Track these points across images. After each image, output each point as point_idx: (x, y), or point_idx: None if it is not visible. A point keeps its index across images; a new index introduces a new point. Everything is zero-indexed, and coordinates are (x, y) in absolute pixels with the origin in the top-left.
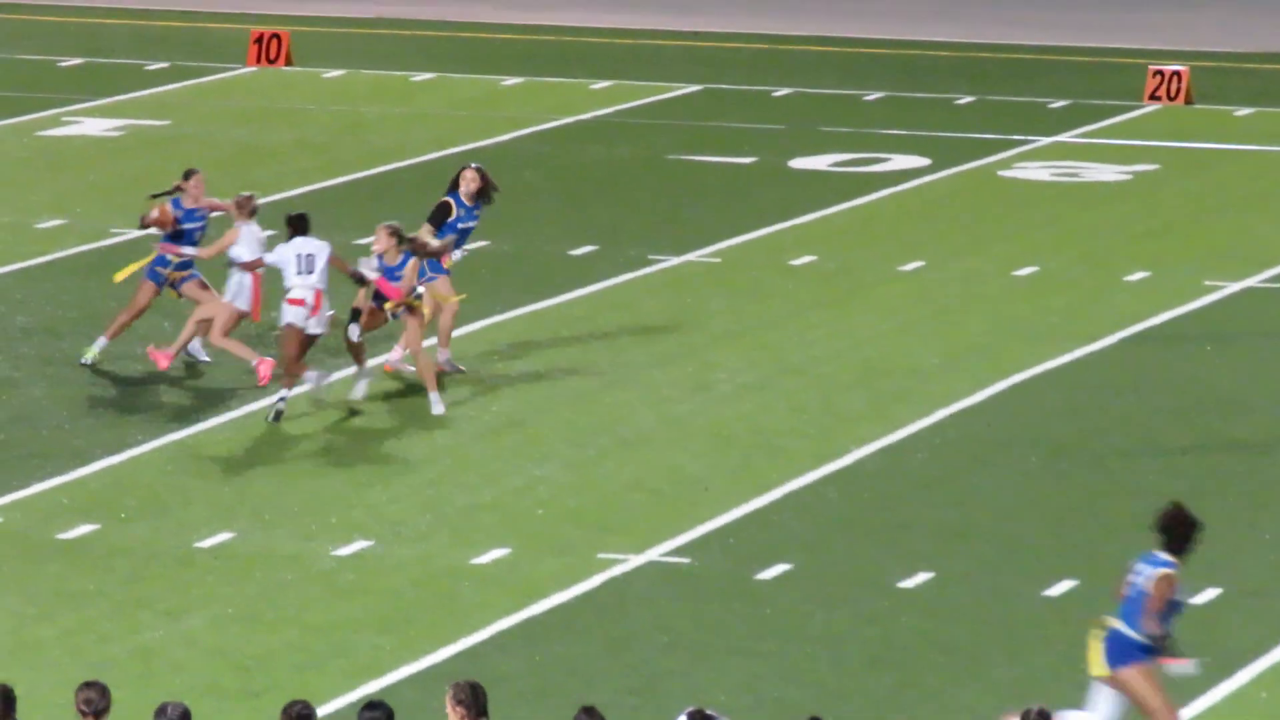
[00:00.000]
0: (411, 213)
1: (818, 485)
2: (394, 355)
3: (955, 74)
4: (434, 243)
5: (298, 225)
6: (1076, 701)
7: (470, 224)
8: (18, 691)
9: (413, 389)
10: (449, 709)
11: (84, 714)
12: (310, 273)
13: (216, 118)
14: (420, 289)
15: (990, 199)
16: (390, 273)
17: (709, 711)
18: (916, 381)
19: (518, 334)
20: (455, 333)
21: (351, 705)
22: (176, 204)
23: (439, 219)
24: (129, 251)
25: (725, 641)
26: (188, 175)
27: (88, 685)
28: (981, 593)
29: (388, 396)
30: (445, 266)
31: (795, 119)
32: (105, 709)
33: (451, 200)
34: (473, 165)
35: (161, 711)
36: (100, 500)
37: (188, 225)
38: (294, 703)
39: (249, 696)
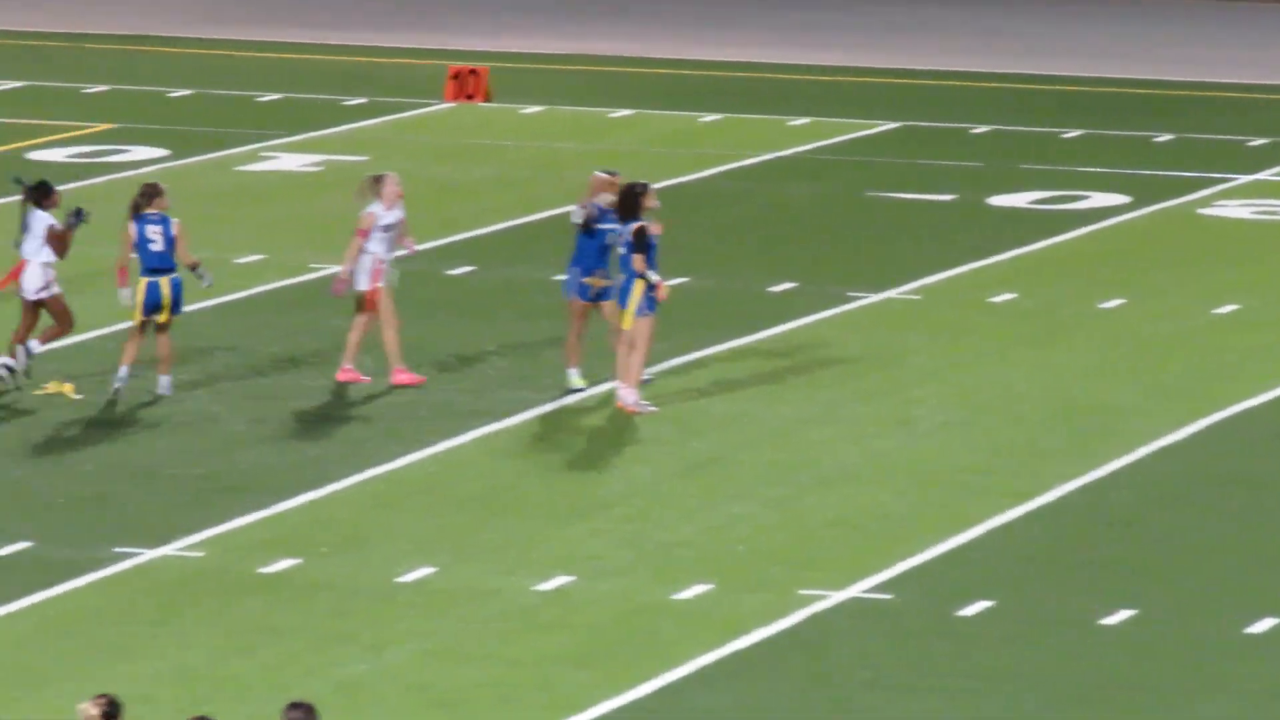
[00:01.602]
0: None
1: (1019, 523)
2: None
3: (1153, 112)
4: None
5: None
6: None
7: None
8: None
9: (615, 422)
10: None
11: None
12: None
13: (414, 153)
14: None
15: (1190, 237)
16: (606, 216)
17: None
18: (1117, 419)
19: (717, 371)
20: (651, 370)
21: None
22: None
23: (643, 242)
24: (328, 286)
25: (926, 679)
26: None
27: (294, 706)
28: (1184, 630)
29: (589, 432)
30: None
31: (994, 156)
32: None
33: (646, 223)
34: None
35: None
36: (301, 535)
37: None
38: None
39: None
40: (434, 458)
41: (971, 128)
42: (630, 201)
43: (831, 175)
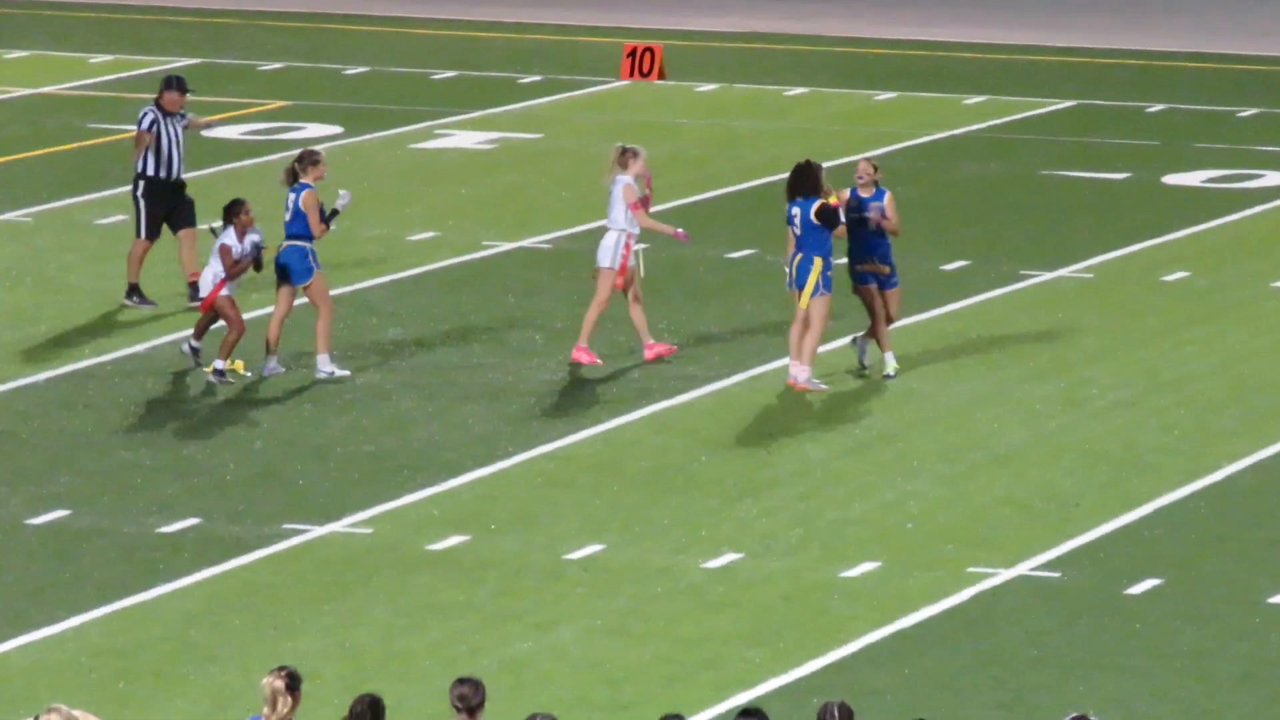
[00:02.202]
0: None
1: (1188, 501)
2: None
3: None
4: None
5: None
6: None
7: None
8: (388, 702)
9: (786, 400)
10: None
11: (457, 710)
12: None
13: (589, 131)
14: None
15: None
16: (866, 204)
17: (1092, 718)
18: None
19: (898, 346)
20: (824, 347)
21: (719, 718)
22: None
23: (833, 219)
24: (505, 265)
25: (1094, 657)
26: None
27: (461, 681)
28: None
29: (759, 410)
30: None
31: (1169, 135)
32: (479, 705)
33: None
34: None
35: (357, 703)
36: (470, 512)
37: None
38: (670, 716)
39: (618, 709)
40: (603, 436)
41: (1147, 106)
42: (807, 178)
43: (1005, 154)
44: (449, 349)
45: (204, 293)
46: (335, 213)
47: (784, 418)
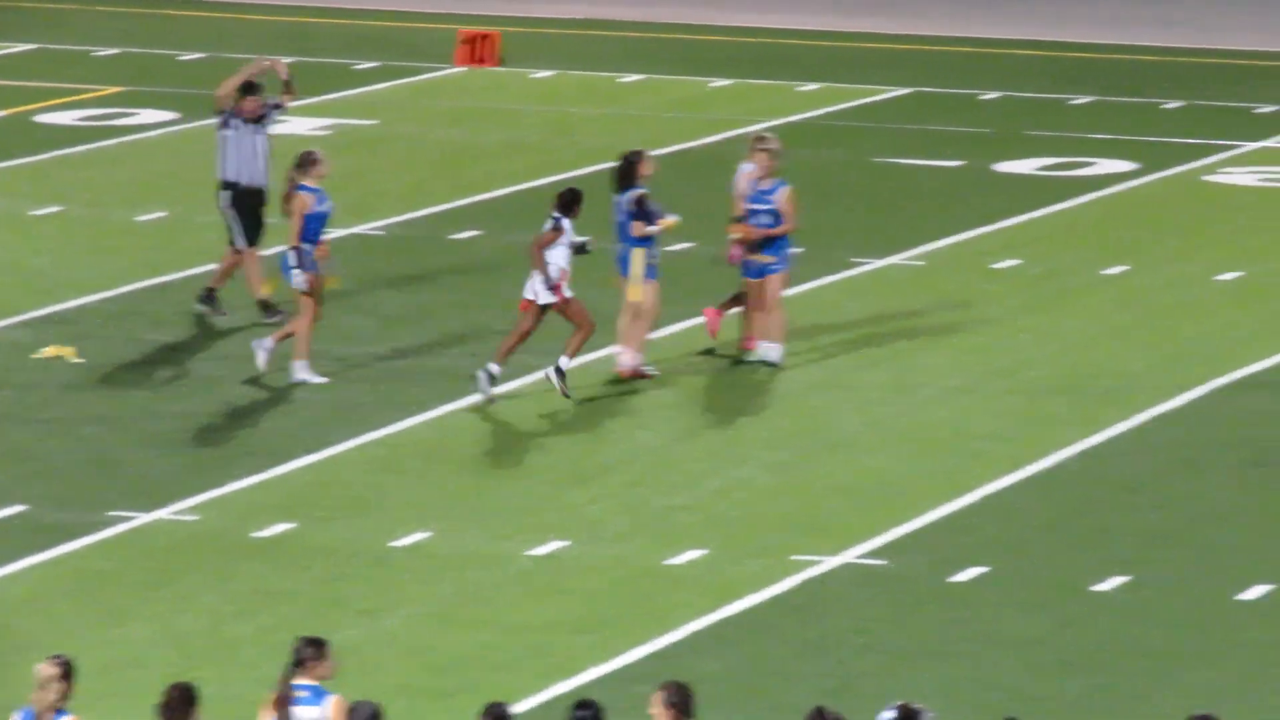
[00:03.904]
0: (612, 214)
1: (1017, 488)
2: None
3: (1163, 79)
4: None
5: None
6: (1269, 703)
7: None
8: (212, 690)
9: (617, 388)
10: (658, 709)
11: (290, 666)
12: None
13: (426, 118)
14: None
15: (1196, 204)
16: (760, 198)
17: (915, 706)
18: (1120, 385)
19: (720, 335)
20: (658, 334)
21: (544, 705)
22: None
23: (644, 208)
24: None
25: (921, 644)
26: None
27: (305, 638)
28: (1177, 597)
29: (591, 398)
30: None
31: (1002, 123)
32: (310, 659)
33: (643, 190)
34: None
35: (354, 710)
36: (298, 499)
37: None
38: (494, 704)
39: (443, 696)
40: (432, 422)
41: (980, 94)
42: (626, 169)
43: (839, 141)
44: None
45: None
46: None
47: (613, 405)
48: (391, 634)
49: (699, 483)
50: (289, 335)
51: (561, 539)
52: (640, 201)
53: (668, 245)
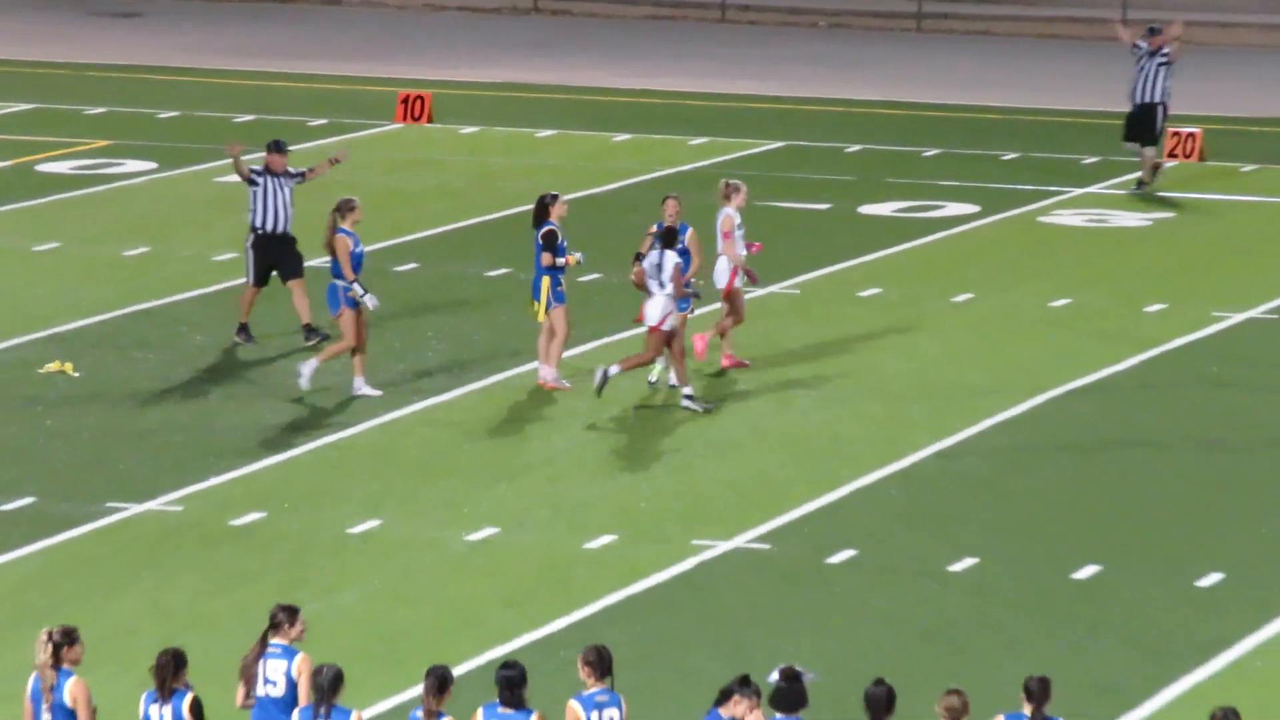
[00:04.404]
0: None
1: (881, 484)
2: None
3: (1002, 133)
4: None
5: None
6: (1097, 669)
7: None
8: (195, 655)
9: (536, 398)
10: (582, 669)
11: (268, 628)
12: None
13: (367, 167)
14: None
15: (1030, 241)
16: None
17: (798, 668)
18: (967, 396)
19: (625, 353)
20: (568, 353)
21: (480, 668)
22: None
23: (552, 243)
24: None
25: (800, 617)
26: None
27: (281, 605)
28: (1019, 576)
29: (515, 407)
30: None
31: (864, 171)
32: (284, 623)
33: (554, 227)
34: (560, 196)
35: (318, 672)
36: (267, 492)
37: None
38: (436, 666)
39: (393, 662)
40: (381, 427)
41: (845, 146)
42: (540, 210)
43: None
44: (248, 352)
45: (651, 321)
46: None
47: (535, 412)
48: (347, 608)
49: (609, 479)
50: (331, 358)
51: (493, 526)
52: (549, 237)
53: (580, 277)
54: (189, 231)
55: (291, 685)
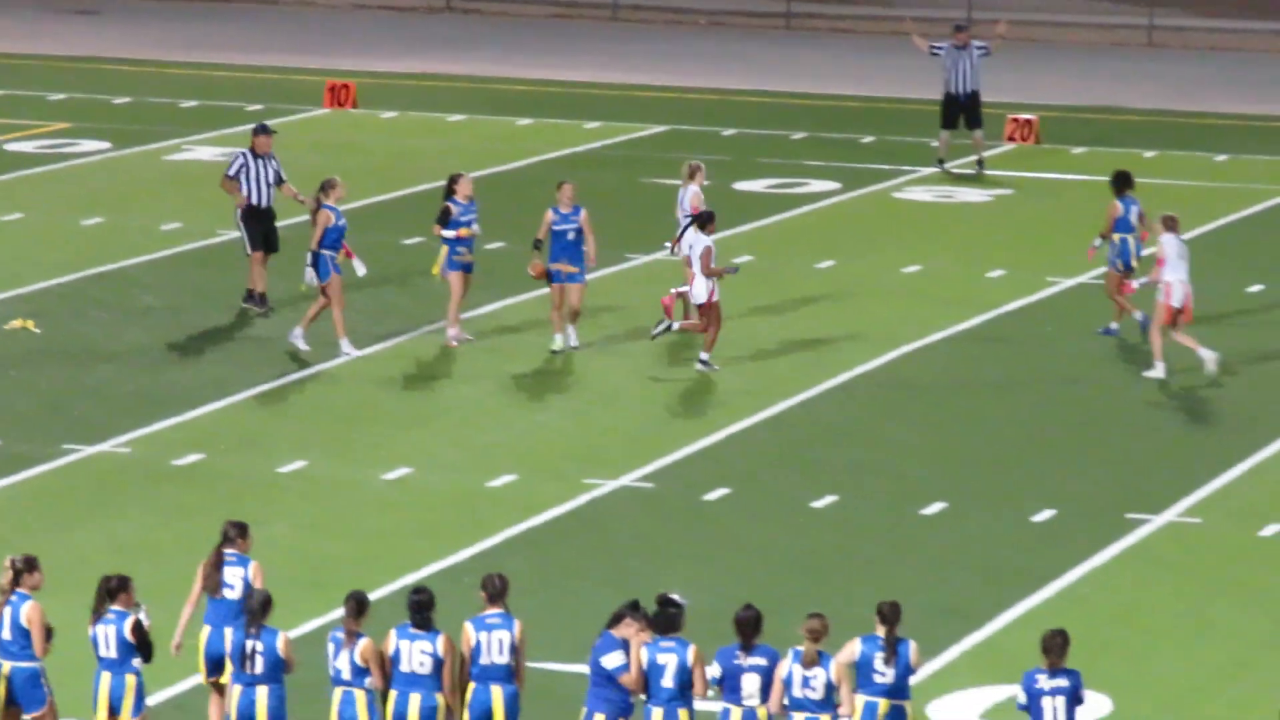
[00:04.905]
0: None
1: (753, 429)
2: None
3: (861, 119)
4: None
5: None
6: (943, 595)
7: (469, 215)
8: (143, 582)
9: (447, 353)
10: (481, 594)
11: (222, 540)
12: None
13: (299, 148)
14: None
15: (885, 215)
16: (566, 219)
17: (672, 595)
18: (830, 351)
19: (527, 312)
20: (471, 313)
21: (395, 593)
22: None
23: (445, 219)
24: (234, 248)
25: (680, 548)
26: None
27: (231, 521)
28: (875, 512)
29: (428, 360)
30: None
31: (738, 152)
32: (235, 539)
33: (449, 203)
34: (465, 174)
35: (248, 596)
36: (206, 435)
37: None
38: (355, 592)
39: (319, 587)
40: (310, 379)
41: (721, 130)
42: (449, 188)
43: (615, 166)
44: (193, 312)
45: (699, 300)
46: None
47: (446, 366)
48: (277, 539)
49: (511, 425)
50: (313, 319)
51: (407, 467)
52: (444, 212)
53: (487, 245)
54: (139, 204)
55: (248, 587)
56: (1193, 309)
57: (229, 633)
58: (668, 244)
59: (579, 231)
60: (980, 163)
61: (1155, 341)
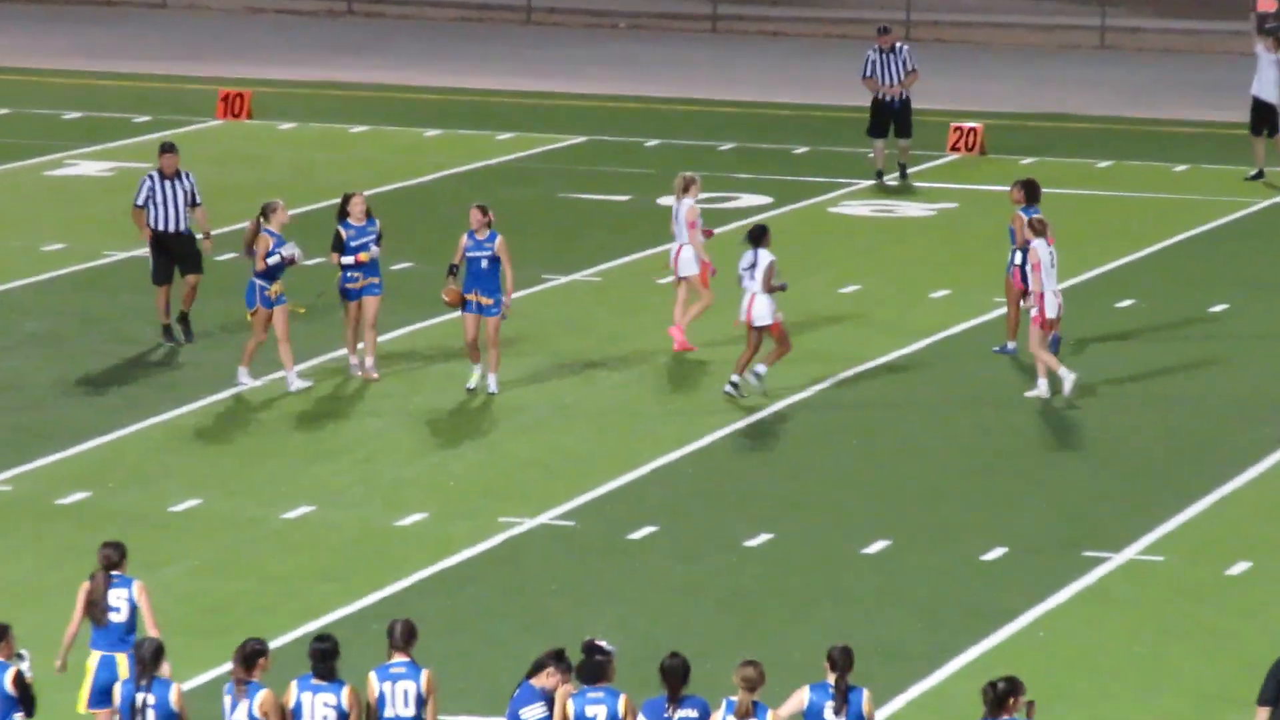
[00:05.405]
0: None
1: (679, 462)
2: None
3: (794, 129)
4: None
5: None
6: (881, 635)
7: (362, 239)
8: (28, 628)
9: (353, 383)
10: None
11: (102, 567)
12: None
13: (190, 161)
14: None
15: (821, 231)
16: (481, 245)
17: (599, 641)
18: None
19: (435, 339)
20: (384, 337)
21: (298, 641)
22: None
23: (337, 244)
24: (122, 270)
25: (602, 589)
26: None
27: (106, 544)
28: (812, 549)
29: (333, 389)
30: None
31: (662, 165)
32: (119, 562)
33: (341, 227)
34: (359, 194)
35: (138, 645)
36: (93, 472)
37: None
38: (247, 640)
39: (215, 634)
40: (203, 410)
41: (644, 141)
42: (340, 208)
43: (531, 180)
44: (78, 339)
45: (764, 321)
46: (281, 260)
47: (351, 396)
48: (171, 583)
49: (421, 458)
50: (253, 352)
51: (310, 504)
52: (337, 236)
53: (394, 266)
54: (19, 223)
55: (133, 608)
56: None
57: (121, 660)
58: (674, 266)
59: (494, 260)
60: (904, 172)
61: (1042, 359)
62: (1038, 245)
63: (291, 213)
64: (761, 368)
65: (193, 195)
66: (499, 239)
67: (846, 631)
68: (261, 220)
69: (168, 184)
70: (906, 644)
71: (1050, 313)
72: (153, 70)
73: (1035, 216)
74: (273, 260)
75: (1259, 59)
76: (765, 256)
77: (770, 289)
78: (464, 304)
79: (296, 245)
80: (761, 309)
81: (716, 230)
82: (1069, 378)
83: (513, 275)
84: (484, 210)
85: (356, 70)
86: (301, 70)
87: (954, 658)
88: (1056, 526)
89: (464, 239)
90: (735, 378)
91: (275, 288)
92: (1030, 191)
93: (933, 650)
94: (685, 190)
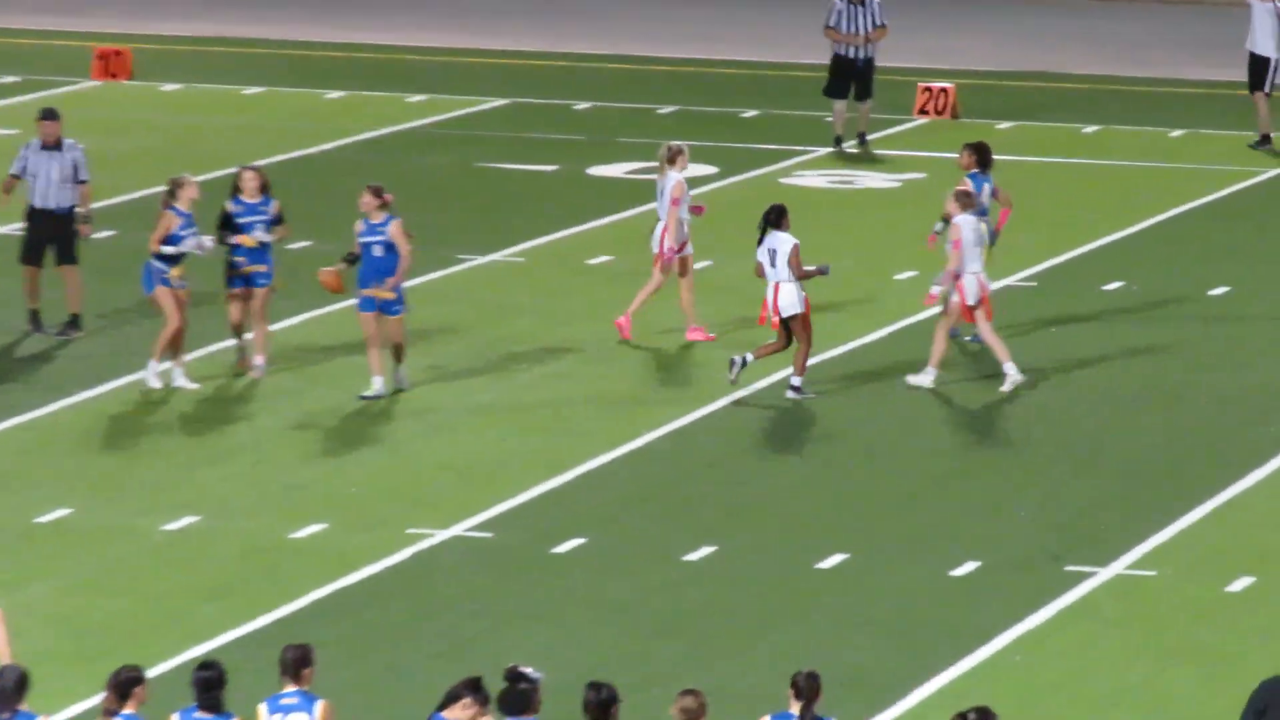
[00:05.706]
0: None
1: (611, 465)
2: None
3: (742, 90)
4: None
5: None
6: (842, 660)
7: (252, 218)
8: None
9: (243, 378)
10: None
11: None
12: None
13: (64, 128)
14: None
15: (772, 202)
16: (375, 229)
17: (523, 668)
18: (705, 371)
19: (334, 329)
20: (276, 325)
21: (179, 668)
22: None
23: (225, 223)
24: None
25: (525, 609)
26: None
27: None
28: (762, 565)
29: (220, 386)
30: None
31: (594, 130)
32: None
33: (229, 203)
34: (252, 168)
35: (1, 674)
36: None
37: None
38: (122, 668)
39: (85, 661)
40: (76, 407)
41: (574, 104)
42: (233, 185)
43: (445, 148)
44: None
45: (791, 311)
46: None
47: (242, 393)
48: (35, 603)
49: (318, 463)
50: (166, 347)
51: (193, 514)
52: (223, 215)
53: (290, 246)
54: None
55: None
56: (990, 303)
57: None
58: (668, 248)
59: (389, 246)
60: (863, 138)
61: (938, 345)
62: (962, 221)
63: None
64: (798, 380)
65: (76, 170)
66: (394, 223)
67: (801, 657)
68: (167, 198)
69: (46, 154)
70: (869, 670)
71: (970, 299)
72: (19, 25)
73: (960, 189)
74: (172, 249)
75: (1252, 9)
76: (787, 241)
77: (804, 275)
78: (361, 305)
79: (205, 234)
80: (789, 297)
81: (654, 204)
82: (928, 376)
83: (406, 264)
84: (377, 192)
85: (250, 25)
86: (188, 25)
87: (921, 684)
88: (1037, 537)
89: (359, 224)
90: (797, 380)
91: (176, 271)
92: (981, 156)
93: (897, 677)
94: (671, 162)
